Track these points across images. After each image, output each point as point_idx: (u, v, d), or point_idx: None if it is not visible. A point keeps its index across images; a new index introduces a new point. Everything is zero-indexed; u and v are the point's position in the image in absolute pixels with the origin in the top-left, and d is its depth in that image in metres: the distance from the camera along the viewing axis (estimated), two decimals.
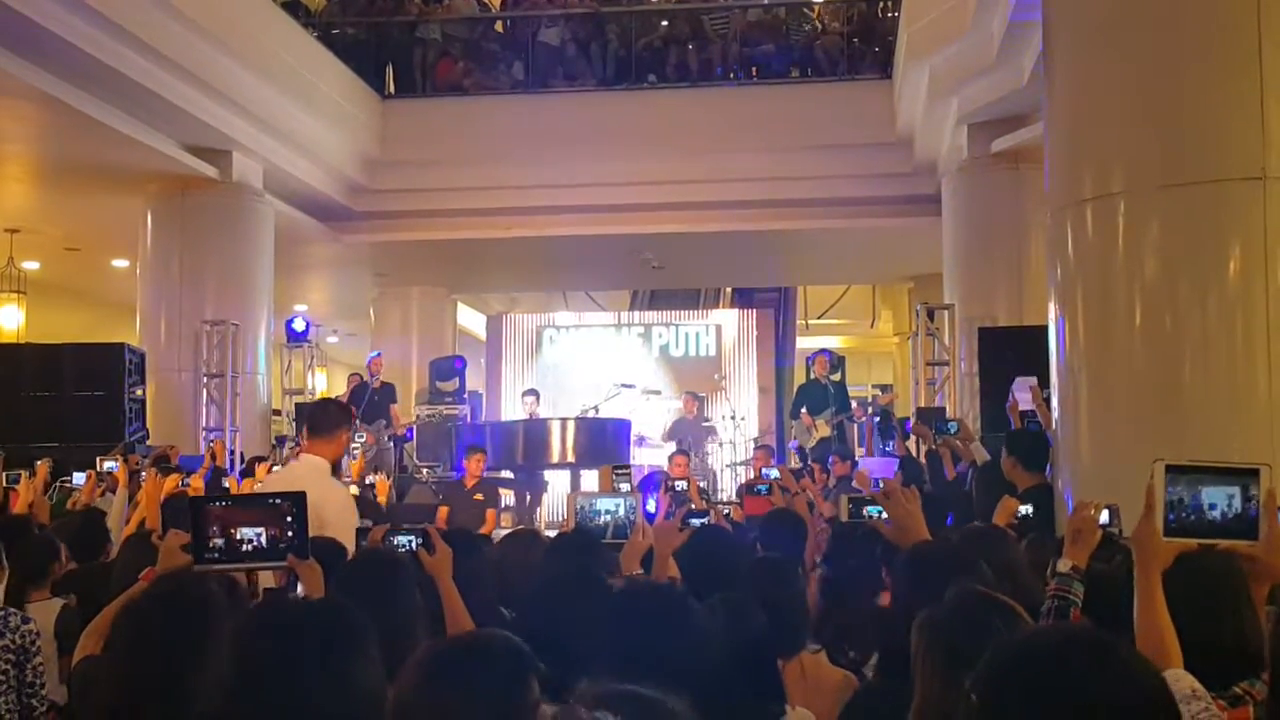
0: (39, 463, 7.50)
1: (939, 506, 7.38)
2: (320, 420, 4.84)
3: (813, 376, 14.04)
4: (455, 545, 3.47)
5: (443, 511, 9.80)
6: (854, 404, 14.58)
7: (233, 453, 12.07)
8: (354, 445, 12.15)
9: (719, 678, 2.33)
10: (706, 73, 14.90)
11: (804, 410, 13.53)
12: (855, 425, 13.87)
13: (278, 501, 2.64)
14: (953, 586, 2.61)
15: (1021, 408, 7.30)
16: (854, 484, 7.97)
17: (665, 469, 12.57)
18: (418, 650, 2.02)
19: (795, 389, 17.47)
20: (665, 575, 3.73)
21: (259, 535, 2.56)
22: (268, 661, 1.86)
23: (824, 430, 13.21)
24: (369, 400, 13.98)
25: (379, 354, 14.73)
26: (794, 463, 12.78)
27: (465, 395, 15.87)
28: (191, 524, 2.64)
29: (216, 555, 2.58)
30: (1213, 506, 2.70)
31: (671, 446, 12.95)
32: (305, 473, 4.70)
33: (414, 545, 3.37)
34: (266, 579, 3.25)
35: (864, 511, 4.31)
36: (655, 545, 3.79)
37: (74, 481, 7.61)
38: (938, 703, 2.35)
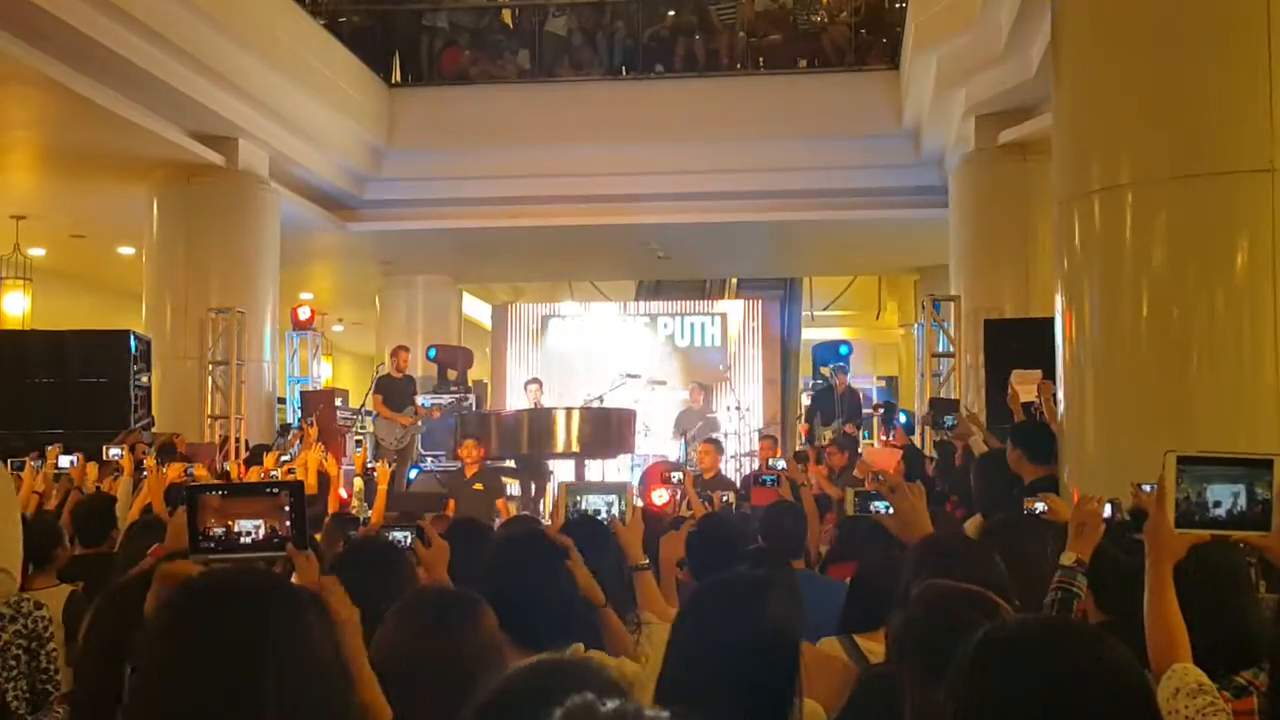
0: (50, 448, 7.46)
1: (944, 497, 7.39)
2: None
3: (833, 383, 14.09)
4: (460, 535, 3.46)
5: (451, 503, 9.79)
6: (864, 410, 14.64)
7: (237, 440, 12.08)
8: (360, 435, 12.14)
9: (734, 669, 2.29)
10: (713, 63, 14.86)
11: (804, 422, 13.71)
12: (860, 431, 13.90)
13: (275, 491, 2.62)
14: (915, 586, 2.55)
15: (1023, 399, 7.27)
16: (855, 473, 7.99)
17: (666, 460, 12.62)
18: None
19: (800, 386, 17.58)
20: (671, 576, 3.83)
21: (257, 526, 2.54)
22: (198, 637, 1.75)
23: (829, 438, 13.24)
24: (394, 390, 13.83)
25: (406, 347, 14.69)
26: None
27: (469, 385, 15.88)
28: (187, 514, 2.62)
29: (213, 545, 2.56)
30: (1218, 504, 2.67)
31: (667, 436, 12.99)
32: None
33: (408, 540, 3.34)
34: None
35: (870, 506, 4.28)
36: (661, 550, 3.85)
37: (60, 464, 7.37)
38: (925, 709, 2.28)
